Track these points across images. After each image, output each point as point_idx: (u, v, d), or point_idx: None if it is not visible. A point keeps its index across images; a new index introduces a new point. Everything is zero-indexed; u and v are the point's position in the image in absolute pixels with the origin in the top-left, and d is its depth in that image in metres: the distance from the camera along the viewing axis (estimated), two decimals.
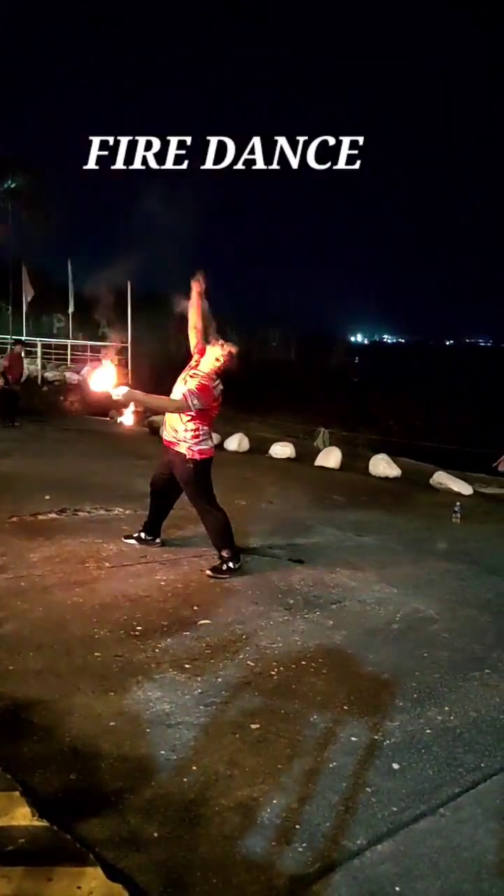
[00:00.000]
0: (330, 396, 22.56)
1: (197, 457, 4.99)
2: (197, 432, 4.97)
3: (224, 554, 5.00)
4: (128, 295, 22.50)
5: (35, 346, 21.29)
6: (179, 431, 4.97)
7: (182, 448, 4.97)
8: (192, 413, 4.87)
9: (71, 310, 25.88)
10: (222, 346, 5.02)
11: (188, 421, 4.93)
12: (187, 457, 4.97)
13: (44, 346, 22.24)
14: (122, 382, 4.96)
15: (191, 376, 4.99)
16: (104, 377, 4.97)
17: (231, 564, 4.97)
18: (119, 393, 4.84)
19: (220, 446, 11.65)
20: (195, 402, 4.82)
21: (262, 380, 23.66)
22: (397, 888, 2.11)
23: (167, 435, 5.11)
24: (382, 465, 10.19)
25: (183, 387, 4.94)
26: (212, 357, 5.01)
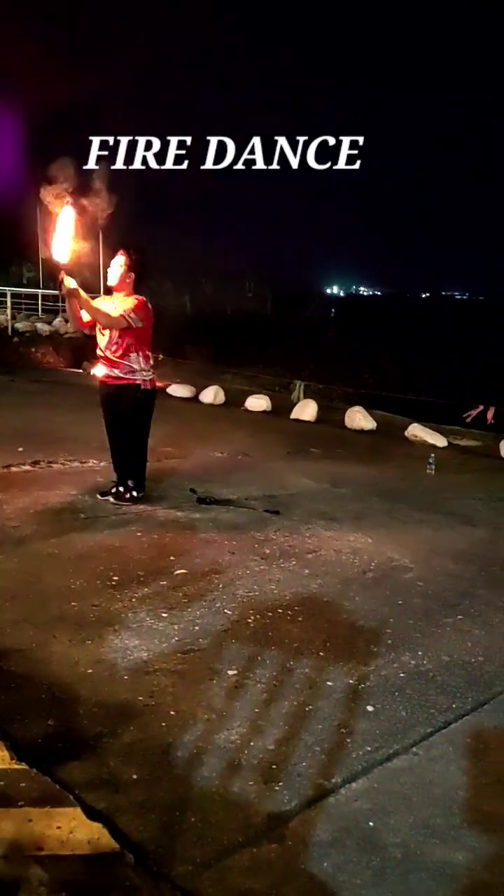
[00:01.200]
0: (306, 349, 22.45)
1: (149, 386, 5.23)
2: (149, 361, 5.21)
3: (130, 483, 5.31)
4: (99, 246, 21.98)
5: (4, 296, 20.81)
6: (133, 363, 5.12)
7: (138, 377, 5.14)
8: (132, 337, 5.03)
9: (42, 258, 25.24)
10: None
11: (137, 350, 5.10)
12: (142, 387, 5.17)
13: (13, 296, 21.74)
14: (75, 267, 4.83)
15: (121, 300, 5.09)
16: (63, 244, 4.75)
17: (135, 493, 5.29)
18: (70, 283, 4.78)
19: (195, 399, 11.60)
20: (134, 317, 4.97)
21: (237, 332, 23.45)
22: (371, 823, 2.17)
23: (112, 371, 5.16)
24: (358, 418, 10.22)
25: (113, 310, 5.00)
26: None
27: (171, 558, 4.26)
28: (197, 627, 3.38)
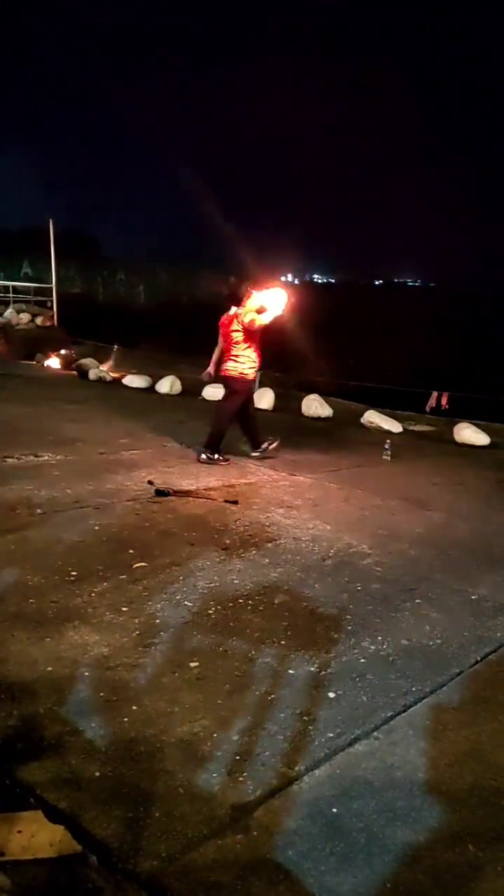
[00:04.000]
0: (262, 337, 22.44)
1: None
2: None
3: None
4: (50, 234, 21.62)
5: None
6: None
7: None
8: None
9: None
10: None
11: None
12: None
13: None
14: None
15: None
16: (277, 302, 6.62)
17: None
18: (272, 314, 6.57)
19: (151, 389, 11.51)
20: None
21: (194, 321, 23.28)
22: (334, 809, 2.19)
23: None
24: (315, 406, 10.27)
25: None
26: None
27: (131, 552, 4.23)
28: (158, 621, 3.37)
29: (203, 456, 6.66)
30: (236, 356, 6.62)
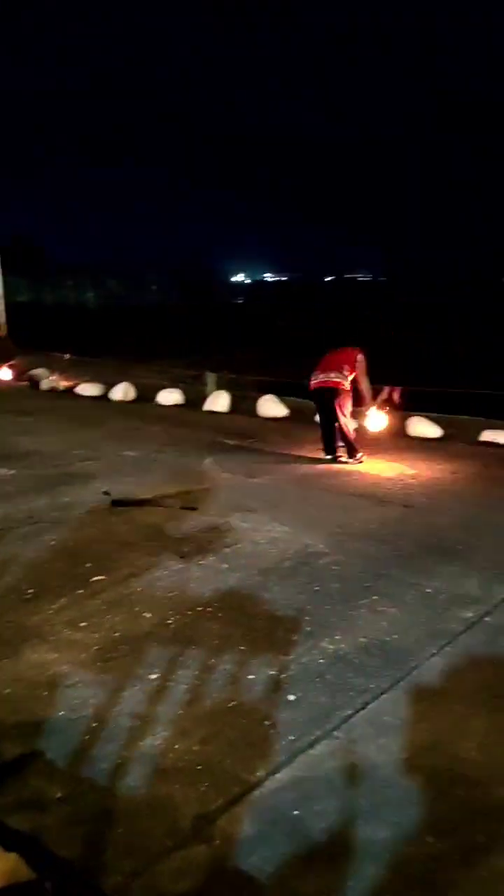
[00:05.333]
0: (215, 339, 22.45)
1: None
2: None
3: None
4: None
5: None
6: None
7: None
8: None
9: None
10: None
11: None
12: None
13: None
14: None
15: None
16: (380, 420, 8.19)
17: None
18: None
19: (104, 397, 11.42)
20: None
21: (145, 326, 23.21)
22: (296, 812, 2.23)
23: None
24: (271, 406, 10.30)
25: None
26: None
27: (88, 565, 4.21)
28: (117, 634, 3.37)
29: (351, 460, 7.41)
30: (345, 375, 7.36)
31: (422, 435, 8.96)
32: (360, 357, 7.43)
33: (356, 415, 7.75)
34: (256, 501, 5.73)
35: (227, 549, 4.59)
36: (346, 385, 7.33)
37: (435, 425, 9.07)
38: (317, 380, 7.42)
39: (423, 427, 9.05)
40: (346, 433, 7.41)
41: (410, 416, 9.33)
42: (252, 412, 10.36)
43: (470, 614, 3.75)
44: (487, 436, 8.67)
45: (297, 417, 10.18)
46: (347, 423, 7.37)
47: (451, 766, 2.50)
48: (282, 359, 17.93)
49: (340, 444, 7.51)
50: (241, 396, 11.27)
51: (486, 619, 3.71)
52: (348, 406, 7.38)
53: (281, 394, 10.95)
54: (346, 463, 7.37)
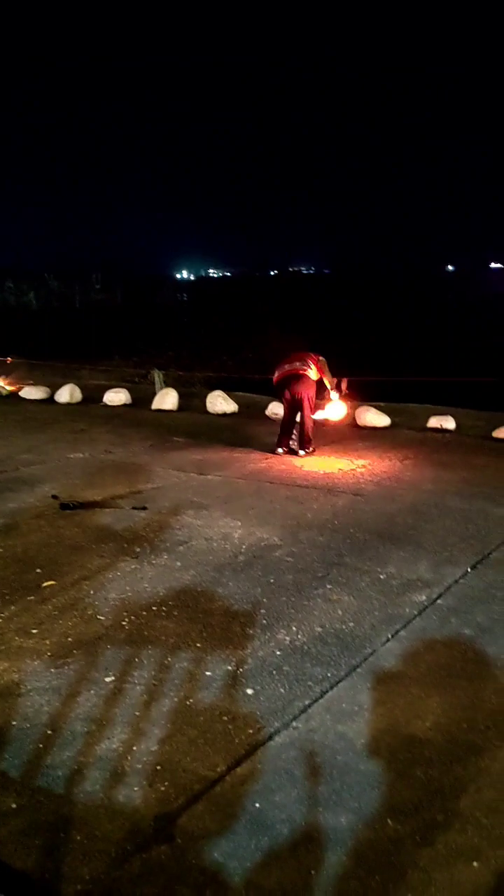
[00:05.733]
0: (161, 336, 22.28)
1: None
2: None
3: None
4: None
5: None
6: None
7: None
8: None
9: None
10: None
11: None
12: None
13: None
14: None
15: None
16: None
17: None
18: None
19: (50, 400, 11.22)
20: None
21: (89, 326, 22.88)
22: (257, 805, 2.22)
23: None
24: (219, 402, 10.27)
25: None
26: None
27: (38, 571, 4.13)
28: (70, 639, 3.30)
29: (302, 452, 7.48)
30: (311, 367, 7.54)
31: (371, 424, 9.06)
32: (321, 359, 7.68)
33: (318, 407, 7.90)
34: (208, 498, 5.70)
35: (180, 548, 4.55)
36: (312, 374, 7.50)
37: (383, 414, 9.18)
38: (282, 370, 7.57)
39: (371, 416, 9.15)
40: (306, 424, 7.51)
41: (359, 405, 9.42)
42: (201, 409, 10.32)
43: (423, 598, 3.80)
44: (434, 422, 8.83)
45: (246, 413, 10.19)
46: (310, 415, 7.51)
47: (409, 747, 2.53)
48: (225, 354, 17.94)
49: (293, 439, 7.60)
50: (189, 394, 11.22)
51: (439, 601, 3.77)
52: (312, 395, 7.54)
53: (229, 389, 10.94)
54: (297, 454, 7.43)
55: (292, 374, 7.49)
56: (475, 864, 2.00)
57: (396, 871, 1.98)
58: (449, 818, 2.18)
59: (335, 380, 8.02)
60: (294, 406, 7.51)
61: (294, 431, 7.62)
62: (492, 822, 2.16)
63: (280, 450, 7.51)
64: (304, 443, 7.49)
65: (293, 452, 7.46)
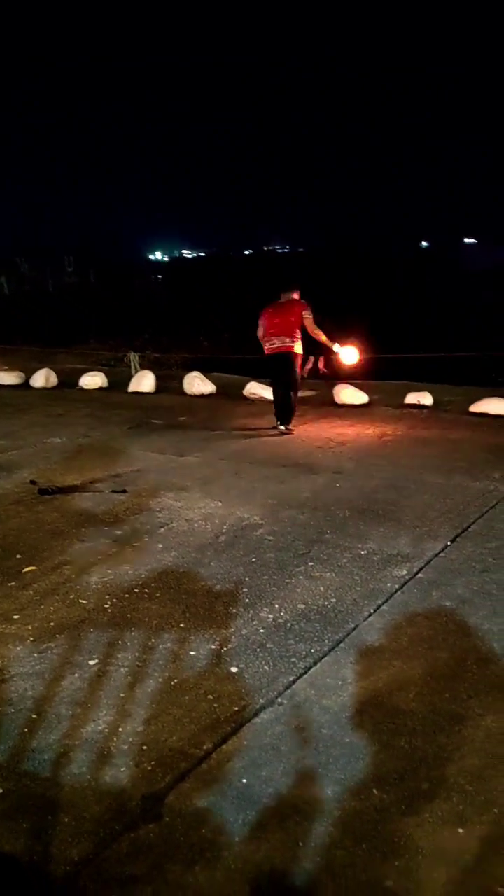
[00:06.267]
0: (137, 319, 22.07)
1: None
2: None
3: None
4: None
5: None
6: None
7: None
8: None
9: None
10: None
11: None
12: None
13: None
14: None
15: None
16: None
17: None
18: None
19: (26, 385, 11.11)
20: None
21: (63, 309, 22.57)
22: (244, 780, 2.24)
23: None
24: (196, 383, 10.23)
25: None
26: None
27: (18, 557, 4.10)
28: (52, 624, 3.29)
29: (282, 427, 7.53)
30: (297, 338, 7.43)
31: (349, 402, 9.08)
32: (306, 314, 7.43)
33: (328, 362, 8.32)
34: (188, 479, 5.69)
35: (161, 530, 4.54)
36: (300, 348, 7.46)
37: (361, 392, 9.20)
38: (272, 345, 7.49)
39: (349, 394, 9.17)
40: (292, 400, 7.54)
41: (337, 384, 9.43)
42: (178, 391, 10.28)
43: (403, 572, 3.83)
44: (411, 398, 8.86)
45: (224, 393, 10.16)
46: (296, 391, 7.59)
47: (393, 719, 2.56)
48: (202, 335, 17.82)
49: (283, 428, 7.58)
50: (166, 376, 11.16)
51: (419, 575, 3.80)
52: (297, 375, 7.55)
53: (206, 370, 10.90)
54: (279, 431, 7.49)
55: (279, 352, 7.42)
56: (460, 830, 2.04)
57: (383, 839, 2.01)
58: (434, 786, 2.21)
59: (326, 339, 7.68)
60: (284, 381, 7.50)
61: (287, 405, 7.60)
62: (476, 789, 2.20)
63: (281, 426, 7.55)
64: (288, 419, 7.54)
65: (278, 428, 7.53)
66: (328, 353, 8.63)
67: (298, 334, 7.43)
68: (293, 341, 7.40)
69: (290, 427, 7.52)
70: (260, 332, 7.58)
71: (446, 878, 1.87)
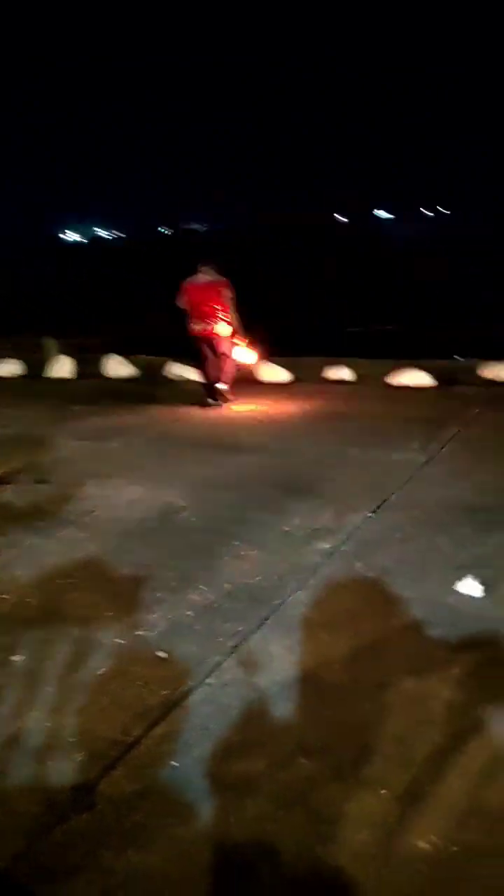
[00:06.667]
0: (51, 303, 21.51)
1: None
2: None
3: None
4: None
5: None
6: None
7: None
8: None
9: None
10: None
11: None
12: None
13: None
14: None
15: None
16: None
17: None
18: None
19: None
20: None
21: None
22: (175, 763, 2.27)
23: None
24: (117, 366, 10.08)
25: None
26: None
27: None
28: None
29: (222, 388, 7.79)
30: (221, 319, 7.66)
31: (272, 380, 9.14)
32: (227, 293, 7.65)
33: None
34: (111, 465, 5.63)
35: (85, 518, 4.49)
36: (226, 330, 7.69)
37: (283, 369, 9.26)
38: (198, 327, 7.70)
39: (272, 372, 9.22)
40: (229, 374, 7.85)
41: (258, 362, 9.46)
42: (99, 375, 10.10)
43: (327, 546, 3.92)
44: (332, 374, 8.99)
45: (146, 376, 10.05)
46: (231, 365, 7.87)
47: (319, 690, 2.63)
48: (121, 318, 17.54)
49: (223, 386, 7.85)
50: (85, 360, 10.93)
51: (343, 548, 3.89)
52: (231, 348, 7.85)
53: (126, 353, 10.74)
54: (218, 399, 7.77)
55: (204, 335, 7.66)
56: (383, 791, 2.12)
57: (311, 808, 2.07)
58: (358, 753, 2.29)
59: (237, 326, 7.89)
60: (213, 353, 7.76)
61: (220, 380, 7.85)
62: (397, 751, 2.29)
63: (210, 399, 7.77)
64: (228, 380, 7.85)
65: (218, 400, 7.76)
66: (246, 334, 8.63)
67: (223, 315, 7.66)
68: (217, 322, 7.63)
69: (230, 391, 7.80)
70: (181, 303, 7.76)
71: (371, 839, 1.95)
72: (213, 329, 7.66)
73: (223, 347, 7.78)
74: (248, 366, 8.62)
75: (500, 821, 2.01)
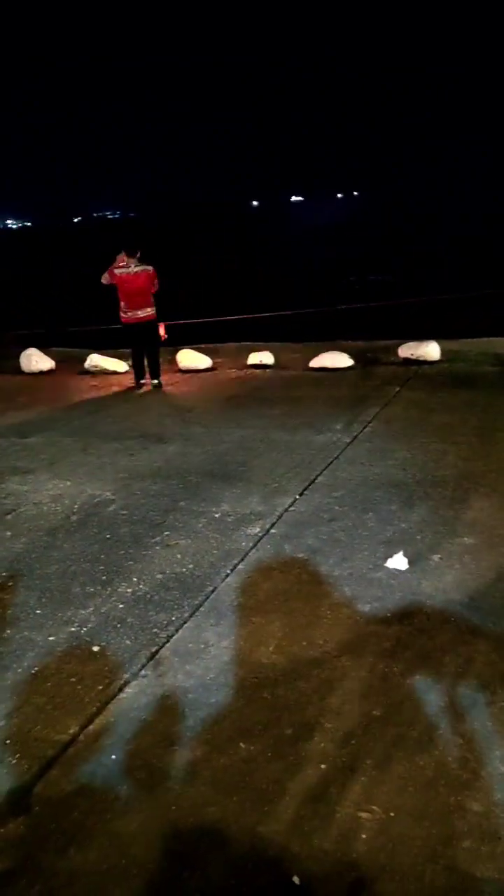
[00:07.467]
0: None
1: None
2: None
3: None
4: None
5: None
6: None
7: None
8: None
9: None
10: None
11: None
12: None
13: None
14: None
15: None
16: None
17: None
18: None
19: None
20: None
21: None
22: (113, 756, 2.24)
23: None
24: (34, 360, 9.80)
25: None
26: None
27: None
28: None
29: (154, 382, 8.13)
30: (152, 303, 8.06)
31: (193, 366, 9.08)
32: (156, 281, 8.07)
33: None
34: (33, 461, 5.49)
35: (8, 517, 4.37)
36: (155, 314, 8.11)
37: (204, 356, 9.22)
38: (133, 316, 8.02)
39: (192, 359, 9.17)
40: (157, 360, 8.23)
41: (178, 349, 9.39)
42: (16, 369, 9.81)
43: (257, 530, 3.94)
44: (254, 359, 9.01)
45: (65, 368, 9.82)
46: (159, 351, 8.26)
47: (255, 673, 2.65)
48: (38, 309, 17.10)
49: (156, 381, 8.18)
50: (0, 354, 10.60)
51: (272, 531, 3.92)
52: (160, 335, 8.26)
53: (44, 345, 10.48)
54: (151, 386, 8.12)
55: (140, 322, 8.01)
56: (323, 766, 2.16)
57: (252, 789, 2.09)
58: (297, 730, 2.32)
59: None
60: (142, 345, 8.15)
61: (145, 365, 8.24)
62: (335, 726, 2.33)
63: (139, 384, 8.20)
64: (158, 373, 8.20)
65: (156, 386, 8.09)
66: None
67: (152, 300, 8.06)
68: (151, 307, 8.04)
69: (162, 381, 8.13)
70: (105, 280, 8.02)
71: (312, 813, 1.99)
72: (145, 316, 7.99)
73: (154, 335, 8.12)
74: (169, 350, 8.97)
75: (434, 783, 2.08)
